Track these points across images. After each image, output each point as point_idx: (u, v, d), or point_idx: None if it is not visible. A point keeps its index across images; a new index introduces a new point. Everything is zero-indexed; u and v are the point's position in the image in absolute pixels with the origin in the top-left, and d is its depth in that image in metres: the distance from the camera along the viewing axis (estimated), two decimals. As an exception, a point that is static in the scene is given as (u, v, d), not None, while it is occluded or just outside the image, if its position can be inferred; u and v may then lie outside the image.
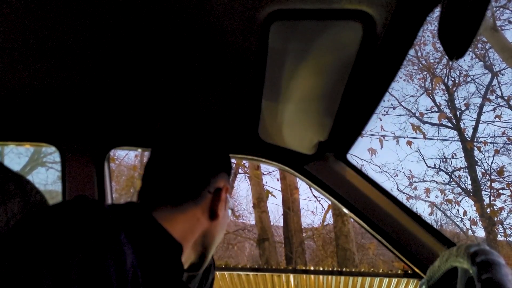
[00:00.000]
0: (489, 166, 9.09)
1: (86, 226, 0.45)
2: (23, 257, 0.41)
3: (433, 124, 9.81)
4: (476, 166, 9.15)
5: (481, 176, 9.03)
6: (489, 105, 9.17)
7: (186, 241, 0.64)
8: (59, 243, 0.43)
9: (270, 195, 6.60)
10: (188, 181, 0.66)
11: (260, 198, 6.70)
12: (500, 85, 9.30)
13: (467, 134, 9.34)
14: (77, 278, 0.41)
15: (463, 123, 9.51)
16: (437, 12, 0.55)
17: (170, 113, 1.00)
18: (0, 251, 0.43)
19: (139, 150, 1.24)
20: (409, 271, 1.78)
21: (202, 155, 0.70)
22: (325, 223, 7.80)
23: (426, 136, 7.65)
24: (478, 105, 9.44)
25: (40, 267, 0.40)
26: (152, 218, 0.60)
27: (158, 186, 0.66)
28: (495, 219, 7.86)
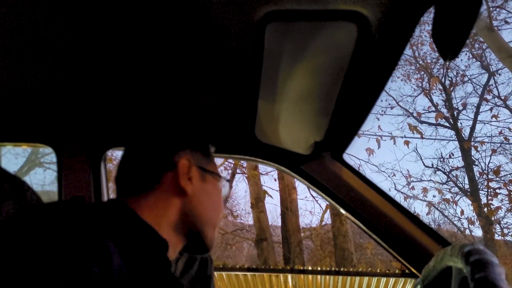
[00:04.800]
0: (486, 166, 9.13)
1: (72, 233, 0.46)
2: (11, 267, 0.41)
3: (430, 124, 9.84)
4: (474, 166, 9.19)
5: (478, 175, 9.06)
6: (486, 105, 9.20)
7: (161, 225, 0.64)
8: (48, 250, 0.43)
9: (267, 195, 6.60)
10: (143, 169, 0.68)
11: (258, 198, 6.70)
12: (497, 85, 9.34)
13: (464, 134, 9.38)
14: (64, 284, 0.41)
15: (460, 123, 9.54)
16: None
17: (167, 113, 1.00)
18: None
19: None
20: (407, 271, 1.78)
21: (154, 142, 0.72)
22: (323, 223, 7.81)
23: (423, 136, 7.67)
24: (475, 105, 9.48)
25: (29, 275, 0.40)
26: (134, 214, 0.61)
27: (122, 179, 0.69)
28: (492, 219, 7.88)
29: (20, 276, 0.40)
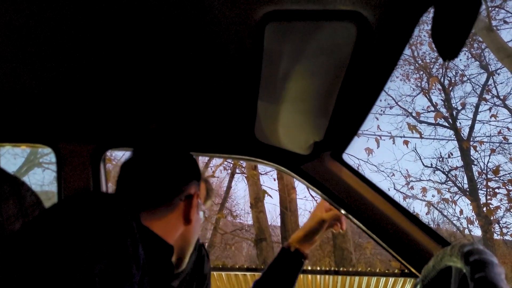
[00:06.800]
0: (485, 165, 9.15)
1: (110, 218, 0.52)
2: (58, 246, 0.47)
3: (429, 124, 9.86)
4: (473, 165, 9.21)
5: (477, 175, 9.09)
6: (485, 104, 9.23)
7: (167, 239, 0.70)
8: (86, 239, 0.48)
9: (266, 195, 6.60)
10: (162, 190, 0.73)
11: (257, 198, 6.70)
12: (496, 84, 9.41)
13: (463, 134, 9.39)
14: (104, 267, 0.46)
15: (460, 123, 9.57)
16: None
17: (166, 114, 1.00)
18: (29, 246, 0.47)
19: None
20: (406, 271, 1.79)
21: (173, 167, 0.77)
22: (323, 222, 7.79)
23: (422, 136, 7.67)
24: (474, 104, 9.50)
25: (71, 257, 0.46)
26: (146, 228, 0.66)
27: (135, 194, 0.73)
28: (491, 218, 7.90)
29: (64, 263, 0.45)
